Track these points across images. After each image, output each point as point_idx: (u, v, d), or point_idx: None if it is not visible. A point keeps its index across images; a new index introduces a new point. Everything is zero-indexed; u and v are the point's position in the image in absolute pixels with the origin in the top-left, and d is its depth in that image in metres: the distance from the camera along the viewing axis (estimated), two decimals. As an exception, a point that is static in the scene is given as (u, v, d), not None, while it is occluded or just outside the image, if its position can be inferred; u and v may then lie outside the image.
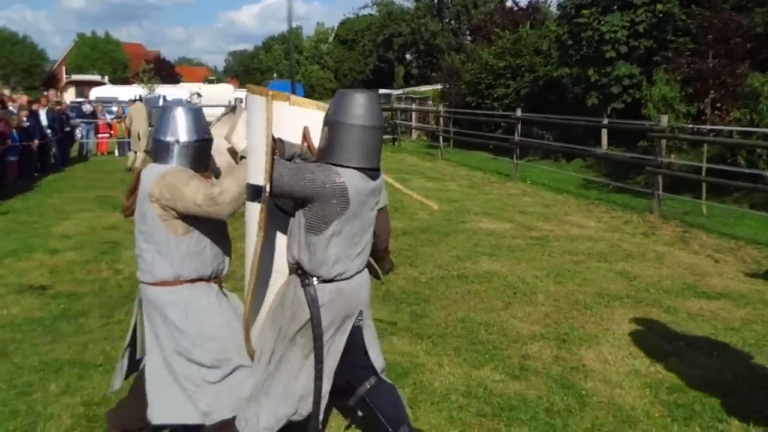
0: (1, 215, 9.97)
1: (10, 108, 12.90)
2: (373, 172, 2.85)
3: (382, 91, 39.39)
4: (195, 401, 3.01)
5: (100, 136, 20.48)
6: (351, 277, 2.90)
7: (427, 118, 25.32)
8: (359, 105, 2.78)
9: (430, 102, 27.19)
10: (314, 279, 2.83)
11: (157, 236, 2.99)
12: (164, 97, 17.27)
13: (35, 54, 60.68)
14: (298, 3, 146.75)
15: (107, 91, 35.97)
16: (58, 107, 17.11)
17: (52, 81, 57.85)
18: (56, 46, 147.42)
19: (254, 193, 2.79)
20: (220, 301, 3.13)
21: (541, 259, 7.56)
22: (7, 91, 15.44)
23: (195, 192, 2.89)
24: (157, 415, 3.03)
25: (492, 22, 28.44)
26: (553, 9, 26.61)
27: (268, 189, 2.63)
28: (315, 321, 2.83)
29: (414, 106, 26.65)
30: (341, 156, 2.76)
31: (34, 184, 13.17)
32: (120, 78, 54.81)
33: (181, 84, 45.84)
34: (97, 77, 49.79)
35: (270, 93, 2.75)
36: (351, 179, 2.75)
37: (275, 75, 56.55)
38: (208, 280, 3.11)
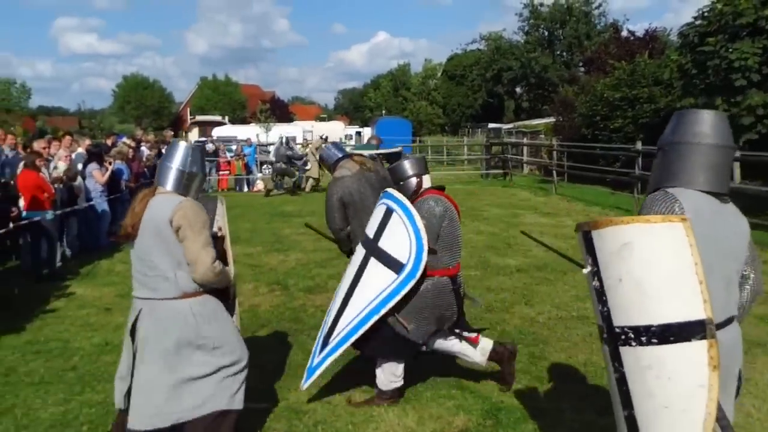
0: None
1: (143, 147, 13.85)
2: (719, 195, 2.56)
3: (491, 125, 39.39)
4: (222, 392, 3.50)
5: (220, 173, 21.58)
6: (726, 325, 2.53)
7: (539, 152, 24.93)
8: (704, 123, 2.55)
9: (542, 136, 26.80)
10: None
11: (178, 253, 3.40)
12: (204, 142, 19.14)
13: (163, 97, 65.19)
14: (404, 40, 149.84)
15: (227, 130, 37.97)
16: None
17: (178, 122, 61.83)
18: (181, 89, 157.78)
19: (692, 330, 2.28)
20: (222, 309, 3.63)
21: (668, 299, 7.16)
22: (140, 132, 16.57)
23: (205, 246, 3.40)
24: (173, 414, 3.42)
25: (607, 52, 27.84)
26: (673, 37, 25.67)
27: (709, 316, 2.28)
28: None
29: (525, 140, 26.31)
30: (680, 179, 2.53)
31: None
32: (239, 117, 57.75)
33: (295, 122, 47.69)
34: (218, 118, 52.67)
35: (684, 218, 2.34)
36: (688, 198, 2.48)
37: (384, 112, 57.68)
38: (209, 292, 3.54)
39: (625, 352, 2.38)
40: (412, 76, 64.91)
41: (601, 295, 2.45)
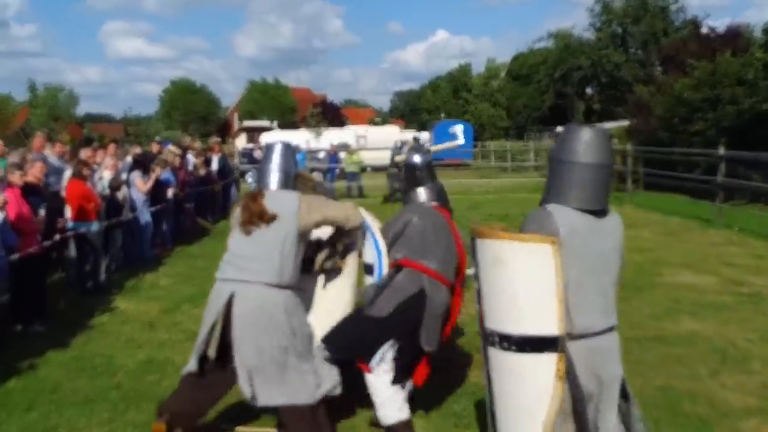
0: (180, 261, 10.90)
1: (189, 156, 14.18)
2: (596, 211, 2.87)
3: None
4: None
5: (269, 182, 21.89)
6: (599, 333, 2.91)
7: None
8: (580, 141, 2.81)
9: (615, 140, 26.35)
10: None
11: (295, 247, 3.96)
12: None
13: (211, 102, 66.64)
14: (465, 39, 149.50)
15: (275, 136, 38.48)
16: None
17: (225, 128, 63.08)
18: (229, 93, 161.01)
19: (546, 343, 2.73)
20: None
21: (755, 319, 6.99)
22: (188, 139, 16.97)
23: (340, 204, 4.19)
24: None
25: (686, 50, 27.19)
26: (758, 34, 24.85)
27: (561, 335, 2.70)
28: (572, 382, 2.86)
29: (596, 145, 25.88)
30: (559, 196, 2.83)
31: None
32: (288, 122, 58.55)
33: (347, 126, 48.05)
34: (266, 123, 53.45)
35: (555, 241, 2.76)
36: (564, 216, 2.80)
37: (443, 115, 57.59)
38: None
39: (492, 352, 2.83)
40: (473, 77, 64.64)
41: (479, 296, 2.87)
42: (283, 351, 3.85)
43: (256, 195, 4.07)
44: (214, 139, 20.16)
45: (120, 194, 10.10)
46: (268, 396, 3.86)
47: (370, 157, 31.72)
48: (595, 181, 2.79)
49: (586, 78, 50.63)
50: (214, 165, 16.06)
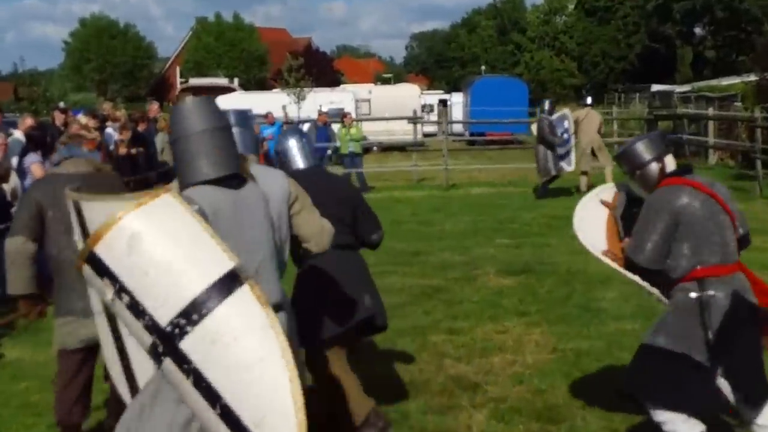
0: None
1: (109, 130, 14.18)
2: (232, 181, 3.84)
3: (656, 87, 38.70)
4: None
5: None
6: None
7: (733, 130, 24.44)
8: (187, 113, 3.78)
9: (739, 103, 26.29)
10: None
11: (288, 242, 4.47)
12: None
13: (141, 50, 66.58)
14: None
15: (237, 100, 38.36)
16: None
17: (162, 88, 63.12)
18: (168, 37, 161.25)
19: (229, 281, 3.28)
20: None
21: None
22: (107, 106, 16.97)
23: (317, 217, 4.55)
24: None
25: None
26: None
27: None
28: None
29: (711, 111, 25.83)
30: (189, 175, 3.75)
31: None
32: (255, 80, 58.57)
33: (343, 86, 47.87)
34: (223, 80, 53.45)
35: (168, 189, 3.47)
36: (204, 197, 3.69)
37: (483, 68, 57.54)
38: None
39: (186, 343, 3.19)
40: (528, 11, 64.69)
41: (136, 306, 3.26)
42: None
43: (245, 157, 4.40)
44: (153, 105, 20.08)
45: (8, 187, 10.08)
46: None
47: (376, 131, 31.59)
48: (221, 146, 3.77)
49: (693, 12, 50.54)
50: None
